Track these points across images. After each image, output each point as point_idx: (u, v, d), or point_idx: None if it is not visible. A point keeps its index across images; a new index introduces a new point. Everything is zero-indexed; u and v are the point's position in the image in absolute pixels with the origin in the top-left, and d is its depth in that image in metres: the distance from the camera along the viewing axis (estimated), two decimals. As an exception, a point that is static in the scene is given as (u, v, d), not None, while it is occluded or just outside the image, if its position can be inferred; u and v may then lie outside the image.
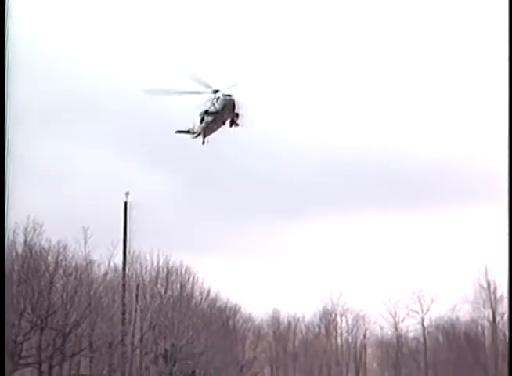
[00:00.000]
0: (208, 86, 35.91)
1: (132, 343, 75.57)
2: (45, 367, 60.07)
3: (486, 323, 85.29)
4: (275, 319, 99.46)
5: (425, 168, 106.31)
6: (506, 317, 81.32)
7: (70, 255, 66.03)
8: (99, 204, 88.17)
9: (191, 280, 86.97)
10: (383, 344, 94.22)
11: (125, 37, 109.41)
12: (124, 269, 76.26)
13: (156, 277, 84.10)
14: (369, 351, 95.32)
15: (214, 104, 36.44)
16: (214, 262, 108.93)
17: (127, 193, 73.35)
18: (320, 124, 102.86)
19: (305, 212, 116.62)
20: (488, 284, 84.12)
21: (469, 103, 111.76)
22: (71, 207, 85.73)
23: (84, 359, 71.00)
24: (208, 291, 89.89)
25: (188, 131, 38.68)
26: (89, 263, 69.31)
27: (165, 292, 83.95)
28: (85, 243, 68.54)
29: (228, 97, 35.65)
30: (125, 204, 73.46)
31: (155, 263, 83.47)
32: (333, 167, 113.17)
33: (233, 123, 36.04)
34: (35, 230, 61.62)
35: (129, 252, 76.11)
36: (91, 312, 64.03)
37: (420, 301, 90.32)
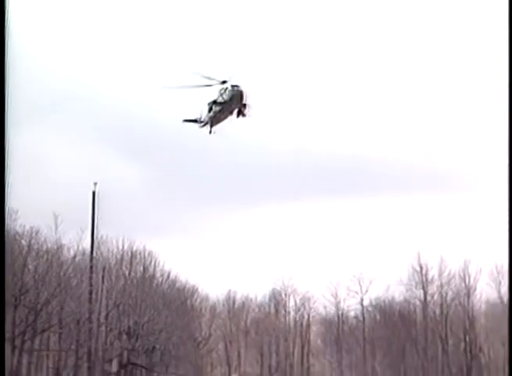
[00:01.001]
0: (213, 79, 34.75)
1: (98, 320, 75.82)
2: (17, 342, 61.75)
3: (418, 303, 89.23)
4: (230, 299, 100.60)
5: (364, 160, 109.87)
6: (436, 297, 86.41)
7: (42, 239, 67.77)
8: (70, 192, 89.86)
9: (153, 262, 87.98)
10: (326, 322, 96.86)
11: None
12: (91, 252, 76.55)
13: (121, 260, 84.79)
14: (313, 328, 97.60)
15: (222, 95, 35.57)
16: (175, 246, 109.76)
17: (95, 183, 74.77)
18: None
19: (261, 201, 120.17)
20: (421, 268, 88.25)
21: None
22: (44, 195, 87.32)
23: (54, 335, 71.98)
24: (169, 273, 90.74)
25: (195, 121, 37.75)
26: (59, 247, 70.67)
27: (129, 274, 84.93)
28: (56, 228, 70.23)
29: (236, 88, 34.83)
30: (93, 193, 74.64)
31: (120, 247, 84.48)
32: (292, 164, 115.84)
33: (240, 113, 35.35)
34: (10, 216, 61.81)
35: (96, 237, 77.11)
36: (61, 292, 65.65)
37: (359, 283, 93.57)
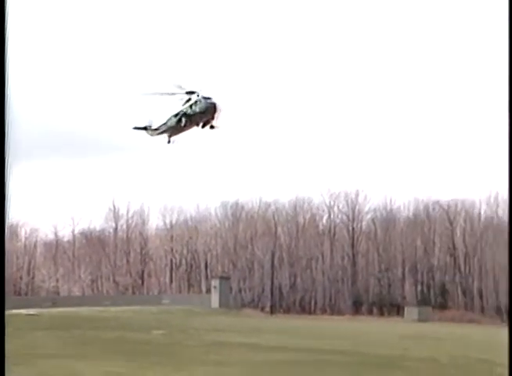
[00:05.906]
0: (182, 88, 31.81)
1: None
2: None
3: (111, 231, 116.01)
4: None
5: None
6: (124, 227, 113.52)
7: None
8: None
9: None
10: (47, 245, 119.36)
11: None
12: None
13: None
14: (38, 250, 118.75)
15: (191, 106, 31.91)
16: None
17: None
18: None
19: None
20: (114, 208, 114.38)
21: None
22: None
23: None
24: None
25: (145, 128, 34.26)
26: None
27: None
28: None
29: (209, 100, 31.48)
30: None
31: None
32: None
33: (206, 124, 31.86)
34: None
35: None
36: None
37: (72, 219, 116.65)
